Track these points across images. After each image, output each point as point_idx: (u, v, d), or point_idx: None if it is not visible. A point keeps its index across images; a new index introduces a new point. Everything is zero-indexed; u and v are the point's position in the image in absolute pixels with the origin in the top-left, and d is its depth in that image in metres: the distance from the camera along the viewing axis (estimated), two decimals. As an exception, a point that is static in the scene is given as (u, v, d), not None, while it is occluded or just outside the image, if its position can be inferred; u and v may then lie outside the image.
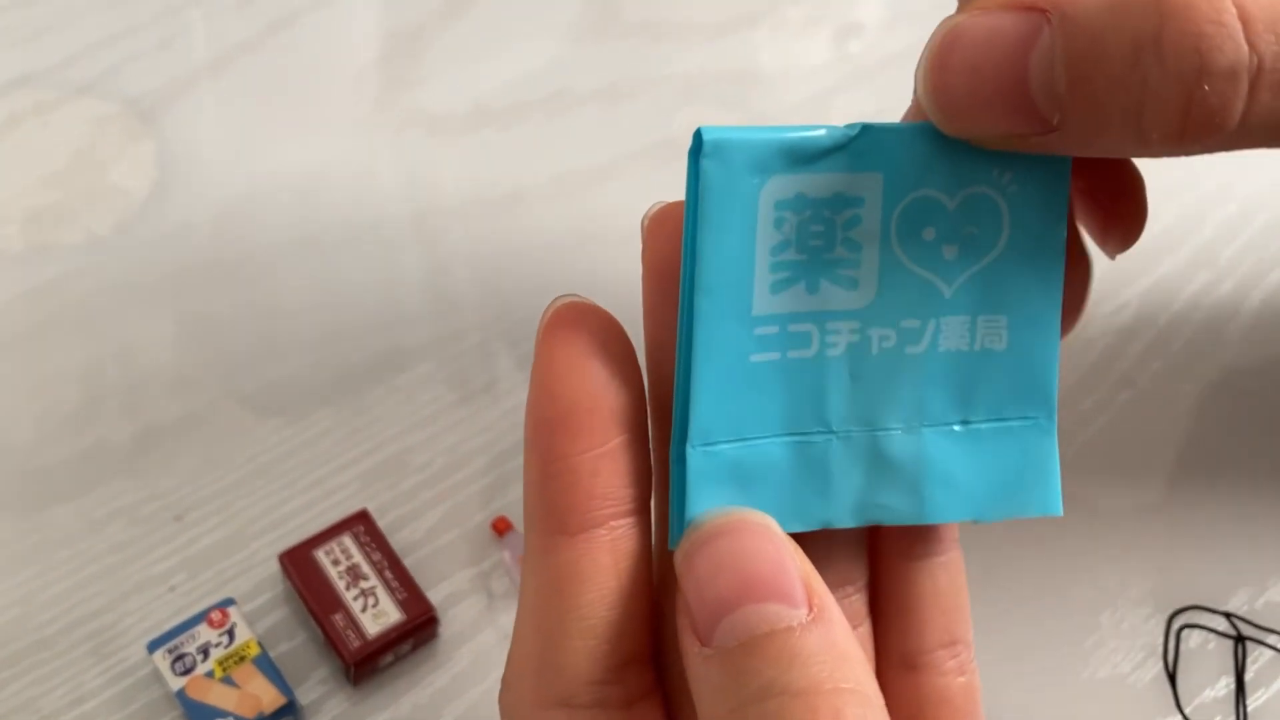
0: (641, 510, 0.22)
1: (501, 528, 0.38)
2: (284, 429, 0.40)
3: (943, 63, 0.21)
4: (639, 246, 0.23)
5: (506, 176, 0.46)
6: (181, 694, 0.33)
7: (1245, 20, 0.19)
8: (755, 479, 0.22)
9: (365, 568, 0.36)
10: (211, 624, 0.34)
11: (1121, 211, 0.25)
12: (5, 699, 0.34)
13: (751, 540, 0.21)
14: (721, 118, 0.47)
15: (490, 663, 0.36)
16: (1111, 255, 0.26)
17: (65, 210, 0.44)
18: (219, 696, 0.33)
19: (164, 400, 0.40)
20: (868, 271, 0.22)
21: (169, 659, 0.34)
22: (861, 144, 0.22)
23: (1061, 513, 0.23)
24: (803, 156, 0.22)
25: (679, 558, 0.22)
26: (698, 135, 0.21)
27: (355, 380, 0.41)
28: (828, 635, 0.20)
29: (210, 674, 0.34)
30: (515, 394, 0.41)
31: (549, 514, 0.21)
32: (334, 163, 0.46)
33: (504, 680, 0.22)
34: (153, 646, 0.34)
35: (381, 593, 0.35)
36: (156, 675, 0.34)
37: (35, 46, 0.47)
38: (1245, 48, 0.19)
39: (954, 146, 0.22)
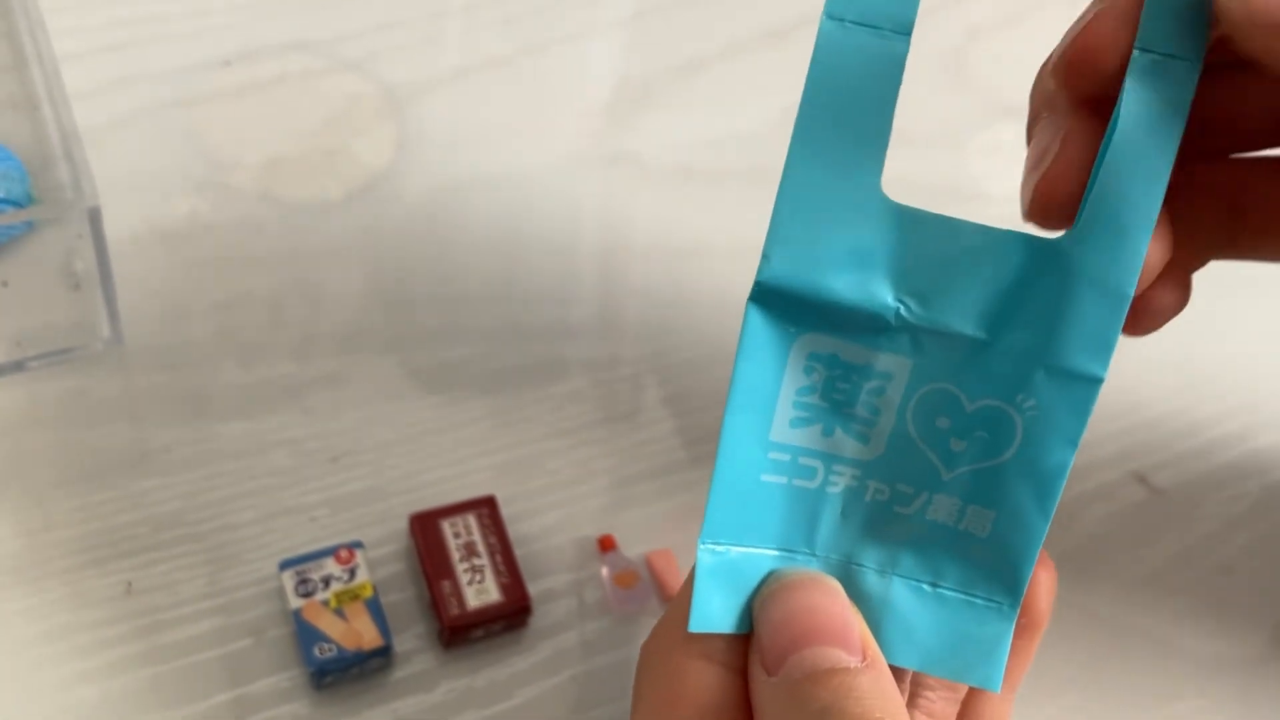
0: None
1: (606, 545, 0.41)
2: (443, 406, 0.44)
3: None
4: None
5: (695, 231, 0.50)
6: (297, 613, 0.38)
7: None
8: (747, 582, 0.25)
9: (480, 547, 0.39)
10: (339, 560, 0.39)
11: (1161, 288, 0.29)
12: (152, 575, 0.39)
13: (821, 596, 0.25)
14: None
15: (568, 660, 0.39)
16: (1133, 333, 0.29)
17: (303, 167, 0.49)
18: (328, 624, 0.38)
19: (344, 354, 0.45)
20: (879, 433, 0.25)
21: (294, 580, 0.38)
22: (900, 335, 0.25)
23: (1000, 690, 0.26)
24: (841, 323, 0.24)
25: (758, 602, 0.25)
26: (757, 281, 0.24)
27: (515, 379, 0.45)
28: (878, 681, 0.24)
29: (326, 602, 0.38)
30: (653, 427, 0.44)
31: None
32: (544, 179, 0.50)
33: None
34: (284, 565, 0.39)
35: (489, 573, 0.39)
36: (280, 591, 0.39)
37: (318, 17, 0.52)
38: None
39: (985, 360, 0.25)
